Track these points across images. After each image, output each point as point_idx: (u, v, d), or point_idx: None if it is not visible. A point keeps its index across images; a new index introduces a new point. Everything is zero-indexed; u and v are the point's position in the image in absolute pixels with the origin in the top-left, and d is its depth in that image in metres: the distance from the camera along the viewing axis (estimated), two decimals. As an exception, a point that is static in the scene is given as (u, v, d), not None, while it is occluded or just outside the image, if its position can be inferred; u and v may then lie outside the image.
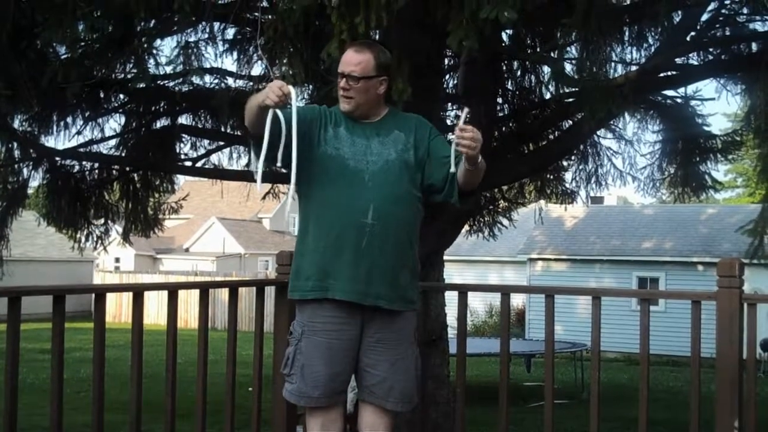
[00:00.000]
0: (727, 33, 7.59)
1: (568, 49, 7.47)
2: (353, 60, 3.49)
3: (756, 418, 3.76)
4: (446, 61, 7.96)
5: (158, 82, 8.01)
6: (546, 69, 8.61)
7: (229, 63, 44.06)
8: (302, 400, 3.57)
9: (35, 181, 9.50)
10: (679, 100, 8.68)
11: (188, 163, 9.87)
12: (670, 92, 8.56)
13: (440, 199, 3.63)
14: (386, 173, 3.46)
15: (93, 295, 3.70)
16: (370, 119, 3.60)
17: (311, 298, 3.50)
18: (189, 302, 24.89)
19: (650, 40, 7.60)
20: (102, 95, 8.29)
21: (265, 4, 6.41)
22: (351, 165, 3.47)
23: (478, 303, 25.64)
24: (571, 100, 7.52)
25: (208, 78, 8.40)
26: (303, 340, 3.52)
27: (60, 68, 6.04)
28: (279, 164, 3.31)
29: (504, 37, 7.80)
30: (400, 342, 3.60)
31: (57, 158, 9.17)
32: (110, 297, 26.01)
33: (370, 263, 3.42)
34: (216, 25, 7.59)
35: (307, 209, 3.56)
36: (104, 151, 9.40)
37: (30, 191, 9.91)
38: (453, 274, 25.16)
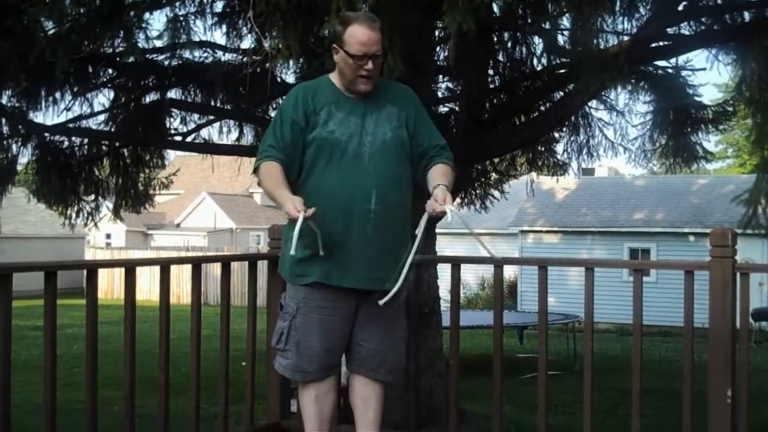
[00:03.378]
0: (719, 2, 7.55)
1: (560, 20, 7.43)
2: (374, 39, 3.37)
3: (748, 388, 3.78)
4: (437, 33, 7.91)
5: (147, 56, 7.95)
6: (537, 40, 8.57)
7: (219, 36, 43.87)
8: (297, 375, 3.58)
9: (24, 157, 9.46)
10: (670, 71, 8.64)
11: (178, 138, 9.82)
12: (661, 63, 8.52)
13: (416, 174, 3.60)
14: (384, 153, 3.40)
15: (85, 271, 3.68)
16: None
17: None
18: (181, 277, 24.80)
19: (642, 10, 7.56)
20: (90, 70, 8.23)
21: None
22: (349, 148, 3.38)
23: (469, 276, 25.68)
24: (562, 71, 7.49)
25: (197, 52, 8.34)
26: (298, 316, 3.51)
27: (48, 44, 5.98)
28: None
29: (495, 8, 7.75)
30: (394, 316, 3.61)
31: (46, 134, 9.12)
32: (102, 273, 25.94)
33: (377, 249, 3.38)
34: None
35: (304, 196, 3.38)
36: (93, 127, 9.35)
37: (19, 168, 9.85)
38: (444, 247, 25.12)
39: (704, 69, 8.44)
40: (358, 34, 3.35)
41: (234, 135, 9.99)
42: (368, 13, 3.81)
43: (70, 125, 9.04)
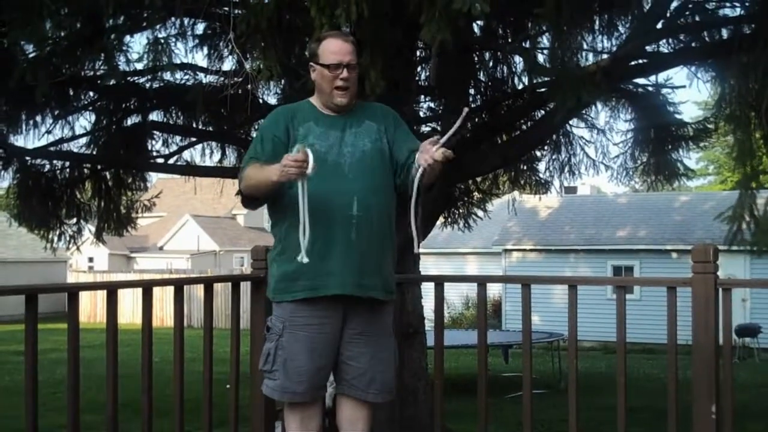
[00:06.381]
0: (697, 19, 7.61)
1: (539, 39, 7.48)
2: (347, 49, 3.47)
3: (733, 404, 3.78)
4: (418, 53, 7.94)
5: (128, 78, 7.93)
6: (518, 59, 8.61)
7: (200, 58, 43.89)
8: (285, 396, 3.55)
9: (5, 181, 9.40)
10: (650, 89, 8.71)
11: (160, 160, 9.80)
12: (641, 80, 8.59)
13: (398, 183, 3.58)
14: (364, 163, 3.44)
15: (66, 294, 3.65)
16: (343, 111, 3.57)
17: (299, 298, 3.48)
18: (164, 300, 24.74)
19: (621, 29, 7.62)
20: (71, 93, 8.20)
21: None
22: (329, 159, 3.43)
23: (454, 295, 25.65)
24: (543, 90, 7.52)
25: (178, 74, 8.33)
26: (285, 335, 3.50)
27: (28, 67, 5.96)
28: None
29: (475, 28, 7.79)
30: (381, 333, 3.60)
31: (27, 158, 9.07)
32: (85, 296, 25.78)
33: (361, 255, 3.40)
34: (186, 20, 7.54)
35: (287, 208, 3.48)
36: (75, 150, 9.31)
37: (0, 192, 9.80)
38: (429, 266, 25.20)
39: (684, 86, 8.54)
40: (331, 46, 3.48)
41: (216, 156, 9.99)
42: (341, 31, 4.02)
43: (52, 148, 8.99)
